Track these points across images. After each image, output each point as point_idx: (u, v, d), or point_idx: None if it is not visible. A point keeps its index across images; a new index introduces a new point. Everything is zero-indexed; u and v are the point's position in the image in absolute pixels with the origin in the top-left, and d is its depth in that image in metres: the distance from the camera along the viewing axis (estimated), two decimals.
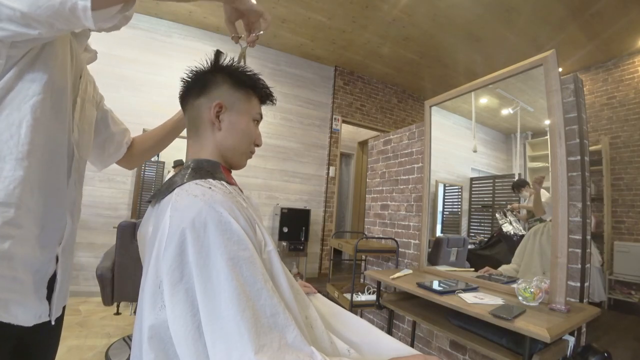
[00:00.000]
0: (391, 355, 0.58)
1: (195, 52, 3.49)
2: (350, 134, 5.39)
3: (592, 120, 3.77)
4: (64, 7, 0.43)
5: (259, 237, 0.53)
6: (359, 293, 2.08)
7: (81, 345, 1.94)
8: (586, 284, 1.25)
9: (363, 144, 5.39)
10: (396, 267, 2.05)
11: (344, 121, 4.39)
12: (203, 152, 0.63)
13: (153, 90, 3.30)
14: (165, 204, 0.53)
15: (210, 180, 0.57)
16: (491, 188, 1.88)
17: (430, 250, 1.92)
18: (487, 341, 1.14)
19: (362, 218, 3.84)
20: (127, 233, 1.66)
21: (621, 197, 3.50)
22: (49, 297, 0.58)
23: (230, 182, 0.63)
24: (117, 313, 2.51)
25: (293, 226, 3.61)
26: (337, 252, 4.95)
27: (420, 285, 1.39)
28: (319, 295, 0.80)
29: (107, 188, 3.08)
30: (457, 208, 2.07)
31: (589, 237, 1.28)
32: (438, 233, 2.05)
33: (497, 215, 1.77)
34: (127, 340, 2.02)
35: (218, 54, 0.66)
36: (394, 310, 1.60)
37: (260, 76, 0.68)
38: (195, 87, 0.64)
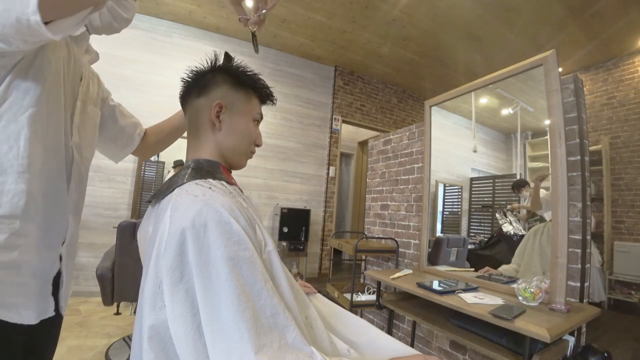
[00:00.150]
0: (391, 355, 0.58)
1: (195, 52, 3.49)
2: (350, 134, 5.39)
3: (592, 120, 3.77)
4: (21, 24, 0.41)
5: (259, 237, 0.53)
6: (359, 293, 2.08)
7: (81, 345, 1.94)
8: (586, 284, 1.25)
9: (363, 144, 5.39)
10: (396, 267, 2.05)
11: (344, 121, 4.39)
12: (203, 152, 0.63)
13: (153, 90, 3.30)
14: (166, 204, 0.53)
15: (211, 180, 0.57)
16: (491, 188, 1.87)
17: (430, 250, 1.92)
18: (487, 341, 1.14)
19: (362, 218, 3.84)
20: (127, 233, 1.67)
21: (621, 197, 3.50)
22: (55, 294, 0.60)
23: (231, 182, 0.62)
24: (117, 313, 2.51)
25: (293, 226, 3.61)
26: (337, 252, 4.95)
27: (420, 285, 1.39)
28: (319, 295, 0.80)
29: (107, 188, 3.08)
30: (457, 208, 2.07)
31: (589, 237, 1.28)
32: (438, 233, 2.05)
33: (497, 215, 1.77)
34: (127, 340, 2.02)
35: (228, 56, 0.66)
36: (394, 310, 1.59)
37: (260, 76, 0.67)
38: (196, 87, 0.64)
